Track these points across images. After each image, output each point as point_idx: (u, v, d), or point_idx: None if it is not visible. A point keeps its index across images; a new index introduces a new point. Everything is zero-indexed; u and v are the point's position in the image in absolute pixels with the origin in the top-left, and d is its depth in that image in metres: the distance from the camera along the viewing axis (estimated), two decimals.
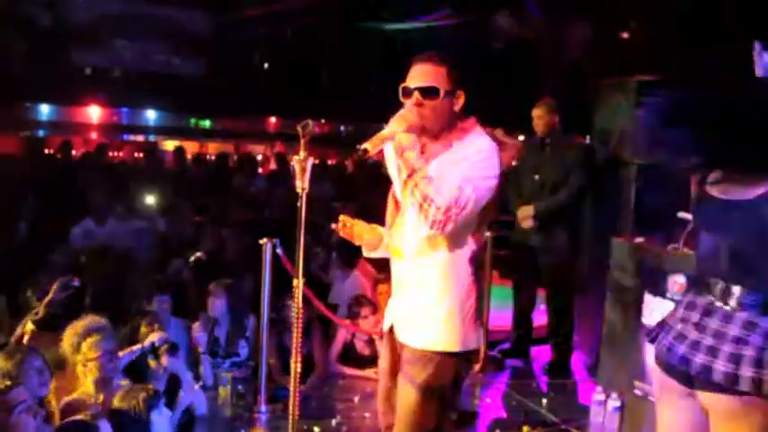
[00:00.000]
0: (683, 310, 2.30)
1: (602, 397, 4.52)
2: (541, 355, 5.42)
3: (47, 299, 3.89)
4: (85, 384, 3.35)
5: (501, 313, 5.54)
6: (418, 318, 2.50)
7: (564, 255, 5.12)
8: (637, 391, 4.17)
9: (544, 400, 4.66)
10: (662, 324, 2.38)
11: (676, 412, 2.32)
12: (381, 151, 2.48)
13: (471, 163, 2.38)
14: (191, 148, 13.84)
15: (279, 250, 4.18)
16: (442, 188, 2.32)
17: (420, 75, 2.44)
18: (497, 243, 5.26)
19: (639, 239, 4.44)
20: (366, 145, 2.30)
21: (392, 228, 2.61)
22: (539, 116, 5.06)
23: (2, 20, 11.55)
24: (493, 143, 2.48)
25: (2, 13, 11.51)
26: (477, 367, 5.05)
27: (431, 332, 2.47)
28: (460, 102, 2.48)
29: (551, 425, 4.27)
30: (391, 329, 2.63)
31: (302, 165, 2.40)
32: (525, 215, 5.00)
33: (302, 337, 4.54)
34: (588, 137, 5.80)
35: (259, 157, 13.92)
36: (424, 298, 2.49)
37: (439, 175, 2.36)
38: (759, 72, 3.12)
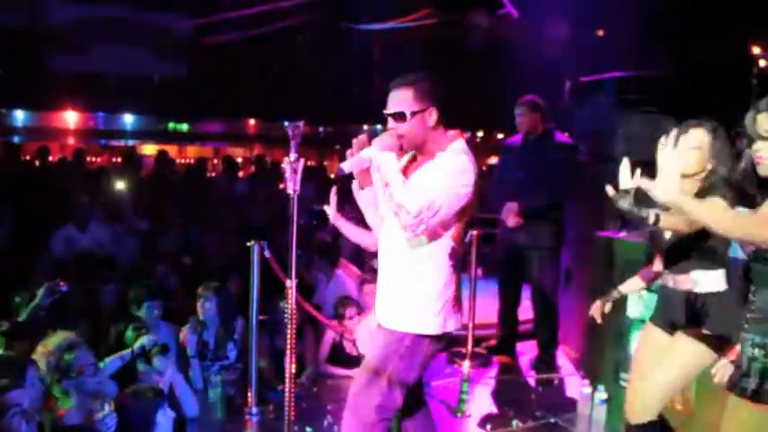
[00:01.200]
0: None
1: (588, 390, 4.58)
2: (527, 350, 5.47)
3: (33, 304, 3.87)
4: (65, 402, 3.24)
5: (487, 310, 5.58)
6: (399, 303, 2.76)
7: (549, 251, 5.18)
8: (623, 383, 4.23)
9: (532, 395, 4.71)
10: None
11: None
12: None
13: (446, 172, 2.66)
14: (170, 152, 13.73)
15: (267, 252, 4.18)
16: (416, 195, 2.59)
17: (391, 101, 2.73)
18: (482, 240, 5.31)
19: (622, 234, 4.51)
20: (343, 165, 2.62)
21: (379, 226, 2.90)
22: (521, 114, 5.10)
23: None
24: (468, 155, 2.74)
25: None
26: (465, 364, 5.12)
27: (410, 316, 2.74)
28: (433, 117, 2.72)
29: (540, 419, 4.31)
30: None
31: (293, 166, 2.43)
32: (510, 212, 5.04)
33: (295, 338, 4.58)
34: (568, 134, 5.87)
35: (239, 160, 13.85)
36: (406, 286, 2.75)
37: (418, 183, 2.66)
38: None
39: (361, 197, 2.92)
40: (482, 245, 5.37)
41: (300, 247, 6.21)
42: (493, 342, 5.55)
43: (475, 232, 5.00)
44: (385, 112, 2.74)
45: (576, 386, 4.79)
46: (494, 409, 4.46)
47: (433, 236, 2.69)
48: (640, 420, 2.99)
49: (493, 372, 5.19)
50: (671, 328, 3.01)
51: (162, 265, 5.77)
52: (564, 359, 5.40)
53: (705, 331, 2.88)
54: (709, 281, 2.90)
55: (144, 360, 3.80)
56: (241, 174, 11.37)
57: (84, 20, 12.48)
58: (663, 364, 2.95)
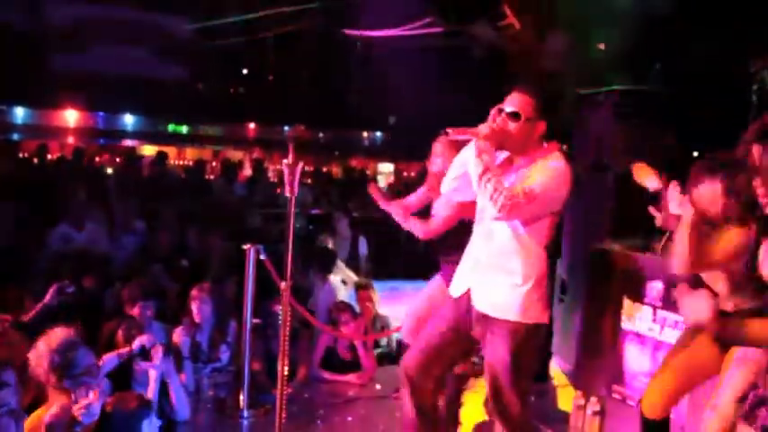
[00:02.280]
0: None
1: (581, 401, 4.58)
2: None
3: (42, 302, 3.87)
4: (60, 399, 3.22)
5: None
6: (500, 290, 2.92)
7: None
8: (615, 396, 4.24)
9: None
10: None
11: None
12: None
13: (548, 172, 2.85)
14: (169, 154, 13.75)
15: (262, 256, 4.20)
16: (516, 184, 2.79)
17: (512, 100, 2.92)
18: None
19: (618, 246, 4.52)
20: (450, 129, 2.80)
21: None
22: None
23: None
24: (567, 164, 2.93)
25: None
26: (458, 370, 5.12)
27: (513, 304, 2.89)
28: (540, 129, 2.93)
29: (533, 430, 4.30)
30: (462, 295, 3.02)
31: (292, 170, 2.43)
32: None
33: (289, 341, 4.58)
34: (566, 146, 5.88)
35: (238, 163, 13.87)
36: (510, 279, 2.90)
37: (517, 181, 2.84)
38: None
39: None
40: None
41: (297, 251, 6.26)
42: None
43: None
44: (504, 107, 2.90)
45: (568, 397, 4.79)
46: (485, 418, 4.45)
47: (533, 230, 2.86)
48: None
49: (485, 381, 5.17)
50: None
51: (157, 265, 5.76)
52: (557, 370, 5.39)
53: None
54: None
55: (143, 359, 3.77)
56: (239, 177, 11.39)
57: (86, 20, 12.51)
58: None
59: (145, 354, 3.64)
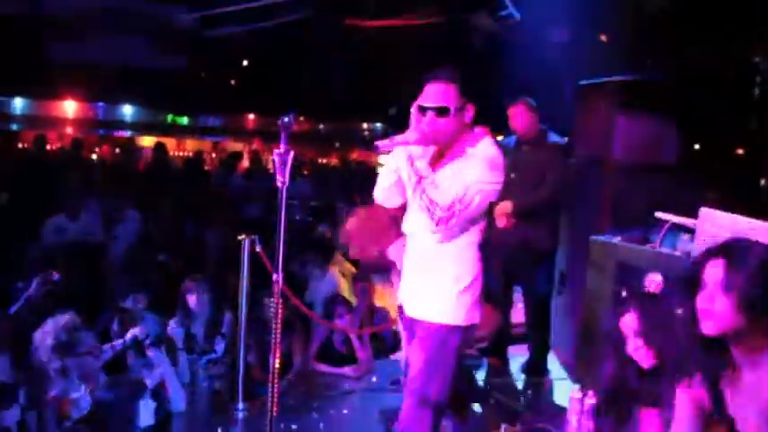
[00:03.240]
0: None
1: (578, 395, 4.54)
2: (519, 353, 5.43)
3: (26, 294, 3.84)
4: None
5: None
6: (429, 295, 2.83)
7: (543, 254, 5.13)
8: None
9: (522, 399, 4.67)
10: None
11: None
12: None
13: (480, 167, 2.70)
14: (168, 145, 13.72)
15: (258, 247, 4.15)
16: (449, 189, 2.65)
17: (433, 95, 2.73)
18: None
19: (617, 238, 4.47)
20: (378, 143, 2.62)
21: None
22: (516, 116, 5.06)
23: None
24: (499, 151, 2.80)
25: None
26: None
27: (441, 308, 2.80)
28: (470, 113, 2.79)
29: (529, 423, 4.27)
30: (402, 310, 2.97)
31: (283, 158, 2.38)
32: (502, 212, 4.97)
33: (282, 334, 4.55)
34: (566, 137, 5.83)
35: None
36: (435, 279, 2.82)
37: (449, 177, 2.71)
38: None
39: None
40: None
41: (295, 242, 6.22)
42: (484, 344, 5.51)
43: None
44: (426, 104, 2.73)
45: (566, 391, 4.75)
46: (483, 412, 4.42)
47: (463, 229, 2.76)
48: None
49: (483, 374, 5.15)
50: None
51: (152, 256, 5.73)
52: (555, 363, 5.35)
53: None
54: None
55: (135, 351, 3.75)
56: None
57: (85, 9, 12.44)
58: None
59: (137, 345, 3.61)
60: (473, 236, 2.80)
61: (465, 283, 2.79)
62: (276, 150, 2.40)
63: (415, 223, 2.86)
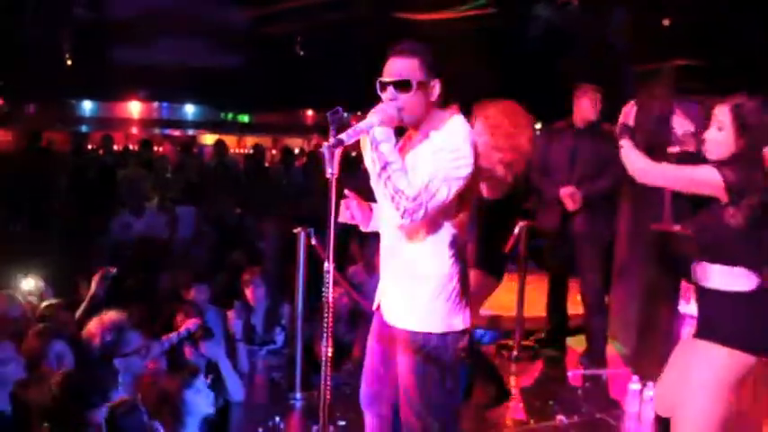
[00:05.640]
0: None
1: (637, 386, 4.47)
2: (577, 345, 5.37)
3: (90, 293, 3.99)
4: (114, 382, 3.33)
5: (537, 303, 5.50)
6: (402, 300, 2.60)
7: (603, 242, 5.07)
8: None
9: (579, 390, 4.62)
10: None
11: None
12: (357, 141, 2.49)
13: (444, 151, 2.44)
14: (229, 142, 14.00)
15: (313, 240, 4.22)
16: (414, 178, 2.39)
17: (393, 68, 2.49)
18: (532, 233, 5.23)
19: (677, 227, 4.37)
20: (341, 136, 2.32)
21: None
22: (581, 103, 5.01)
23: (47, 19, 11.79)
24: (467, 132, 2.52)
25: (46, 13, 11.74)
26: (512, 357, 5.08)
27: (414, 314, 2.56)
28: (436, 91, 2.52)
29: (585, 414, 4.23)
30: (379, 306, 2.73)
31: (331, 151, 2.39)
32: (569, 196, 4.91)
33: (346, 325, 4.61)
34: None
35: (297, 151, 14.02)
36: (406, 281, 2.58)
37: (413, 166, 2.45)
38: None
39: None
40: (532, 238, 5.28)
41: (356, 235, 6.27)
42: (541, 335, 5.47)
43: (523, 223, 4.92)
44: (384, 79, 2.49)
45: (624, 383, 4.68)
46: (539, 403, 4.39)
47: (432, 223, 2.50)
48: None
49: (540, 365, 5.11)
50: None
51: (213, 250, 5.87)
52: (613, 354, 5.27)
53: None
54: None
55: (190, 344, 3.87)
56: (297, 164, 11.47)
57: (147, 12, 12.80)
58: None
59: (191, 337, 3.71)
60: (447, 231, 2.53)
61: (439, 284, 2.53)
62: (325, 143, 2.41)
63: (383, 216, 2.64)
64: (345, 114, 2.44)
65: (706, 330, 2.77)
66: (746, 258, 2.69)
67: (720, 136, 2.79)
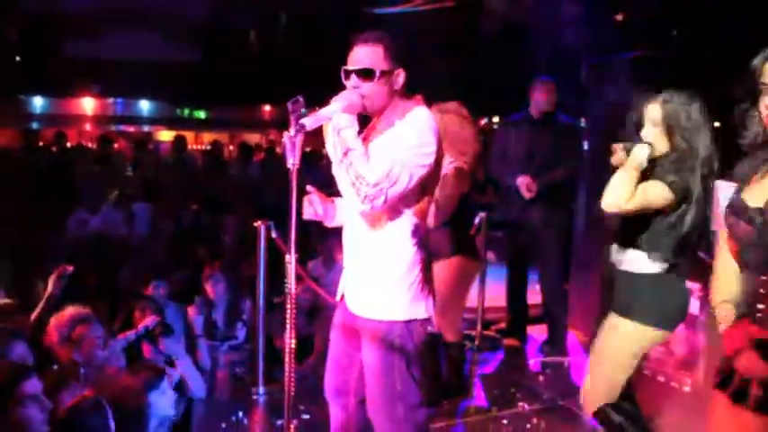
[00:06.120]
0: None
1: None
2: (537, 334, 5.44)
3: (47, 293, 3.89)
4: (75, 376, 3.29)
5: (498, 294, 5.55)
6: (365, 288, 2.60)
7: (561, 231, 5.14)
8: None
9: (540, 378, 4.68)
10: None
11: None
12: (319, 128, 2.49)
13: (407, 139, 2.45)
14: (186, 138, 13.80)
15: (273, 233, 4.19)
16: (375, 165, 2.40)
17: (356, 57, 2.51)
18: (491, 224, 5.27)
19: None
20: (303, 121, 2.31)
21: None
22: (536, 95, 5.06)
23: None
24: (429, 120, 2.53)
25: None
26: (473, 347, 5.12)
27: (377, 302, 2.56)
28: (400, 80, 2.53)
29: (548, 401, 4.28)
30: (343, 296, 2.73)
31: (292, 140, 2.37)
32: (526, 185, 4.96)
33: (306, 318, 4.58)
34: (583, 119, 5.81)
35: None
36: (369, 270, 2.58)
37: (376, 153, 2.46)
38: None
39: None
40: (491, 229, 5.32)
41: (315, 230, 6.24)
42: (502, 325, 5.52)
43: (483, 214, 4.96)
44: (348, 67, 2.51)
45: (584, 370, 4.75)
46: (501, 391, 4.43)
47: (393, 212, 2.51)
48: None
49: (501, 354, 5.16)
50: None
51: (172, 246, 5.80)
52: (574, 343, 5.35)
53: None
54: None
55: (149, 342, 3.81)
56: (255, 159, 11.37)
57: (99, 5, 12.52)
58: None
59: (149, 335, 3.65)
60: (409, 219, 2.54)
61: (402, 273, 2.54)
62: (286, 133, 2.39)
63: (346, 205, 2.64)
64: (302, 99, 2.41)
65: (620, 308, 2.95)
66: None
67: (653, 134, 2.85)
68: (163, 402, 2.96)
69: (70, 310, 3.35)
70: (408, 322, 2.57)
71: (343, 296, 2.77)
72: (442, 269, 3.65)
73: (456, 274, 3.92)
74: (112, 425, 2.75)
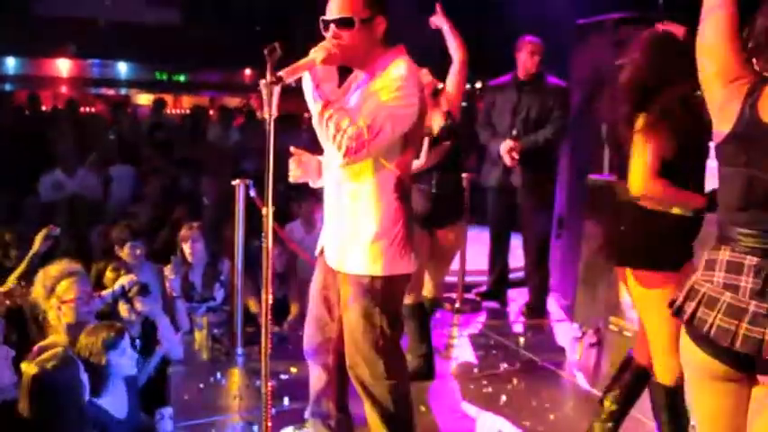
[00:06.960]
0: (722, 274, 1.79)
1: (578, 334, 4.56)
2: (518, 297, 5.43)
3: (32, 251, 3.80)
4: (58, 331, 3.24)
5: (480, 257, 5.53)
6: (346, 244, 2.56)
7: (544, 195, 5.11)
8: (612, 327, 4.20)
9: (521, 340, 4.68)
10: (694, 293, 1.84)
11: (719, 398, 1.88)
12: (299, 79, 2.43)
13: (388, 90, 2.38)
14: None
15: (252, 192, 4.11)
16: (357, 117, 2.34)
17: (335, 6, 2.44)
18: (474, 187, 5.22)
19: (615, 178, 4.41)
20: (281, 73, 2.24)
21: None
22: (529, 54, 4.98)
23: None
24: (412, 70, 2.46)
25: None
26: (454, 309, 5.10)
27: (358, 258, 2.52)
28: (380, 29, 2.47)
29: (528, 362, 4.28)
30: (322, 252, 2.70)
31: (270, 89, 2.29)
32: (507, 149, 4.89)
33: (279, 279, 4.53)
34: (566, 80, 5.73)
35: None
36: (350, 225, 2.54)
37: (357, 105, 2.41)
38: None
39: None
40: (474, 192, 5.27)
41: (294, 188, 6.16)
42: (483, 288, 5.51)
43: (467, 176, 4.91)
44: (326, 17, 2.44)
45: (565, 332, 4.76)
46: (482, 353, 4.43)
47: (375, 165, 2.46)
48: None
49: (482, 317, 5.15)
50: None
51: (150, 207, 5.69)
52: (555, 306, 5.36)
53: None
54: None
55: (125, 301, 3.73)
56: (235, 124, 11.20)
57: None
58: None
59: (126, 295, 3.58)
60: (391, 172, 2.49)
61: (383, 227, 2.49)
62: (262, 81, 2.30)
63: (326, 157, 2.59)
64: (278, 47, 2.32)
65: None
66: None
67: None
68: (123, 362, 2.91)
69: (60, 264, 3.28)
70: (390, 278, 2.53)
71: (321, 253, 2.72)
72: (462, 232, 3.91)
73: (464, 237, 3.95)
74: (85, 378, 2.70)
